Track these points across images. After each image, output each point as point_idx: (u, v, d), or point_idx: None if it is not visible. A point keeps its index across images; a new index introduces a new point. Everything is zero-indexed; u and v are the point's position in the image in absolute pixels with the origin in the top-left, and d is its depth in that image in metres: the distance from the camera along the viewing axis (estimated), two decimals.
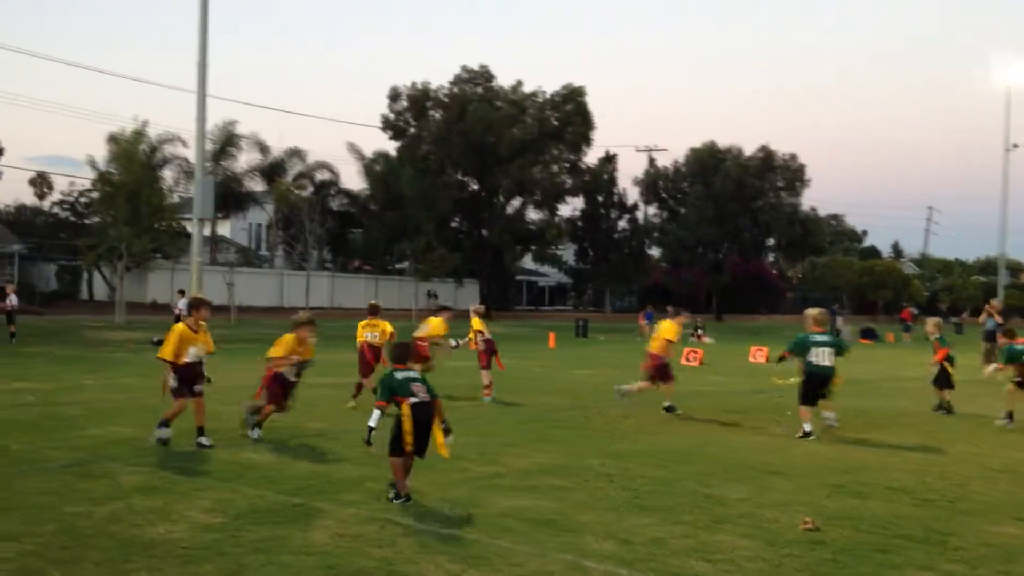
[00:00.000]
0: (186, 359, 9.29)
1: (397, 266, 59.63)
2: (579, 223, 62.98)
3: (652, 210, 70.51)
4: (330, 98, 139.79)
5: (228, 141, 51.15)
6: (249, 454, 8.96)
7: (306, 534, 6.10)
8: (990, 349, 21.13)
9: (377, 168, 55.60)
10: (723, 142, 69.78)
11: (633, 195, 67.35)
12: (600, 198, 62.70)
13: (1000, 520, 7.03)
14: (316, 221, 50.36)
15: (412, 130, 56.21)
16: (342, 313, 50.08)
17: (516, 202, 57.96)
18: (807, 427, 11.09)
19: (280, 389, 9.94)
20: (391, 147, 56.87)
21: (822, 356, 11.29)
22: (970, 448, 10.65)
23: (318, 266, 56.01)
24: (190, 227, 31.03)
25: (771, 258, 77.89)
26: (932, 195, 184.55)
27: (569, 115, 55.93)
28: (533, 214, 58.96)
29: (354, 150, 56.89)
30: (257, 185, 54.33)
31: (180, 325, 9.53)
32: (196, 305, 9.75)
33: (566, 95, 56.31)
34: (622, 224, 65.16)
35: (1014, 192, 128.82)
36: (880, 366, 24.36)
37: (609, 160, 62.11)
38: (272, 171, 53.20)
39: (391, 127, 56.33)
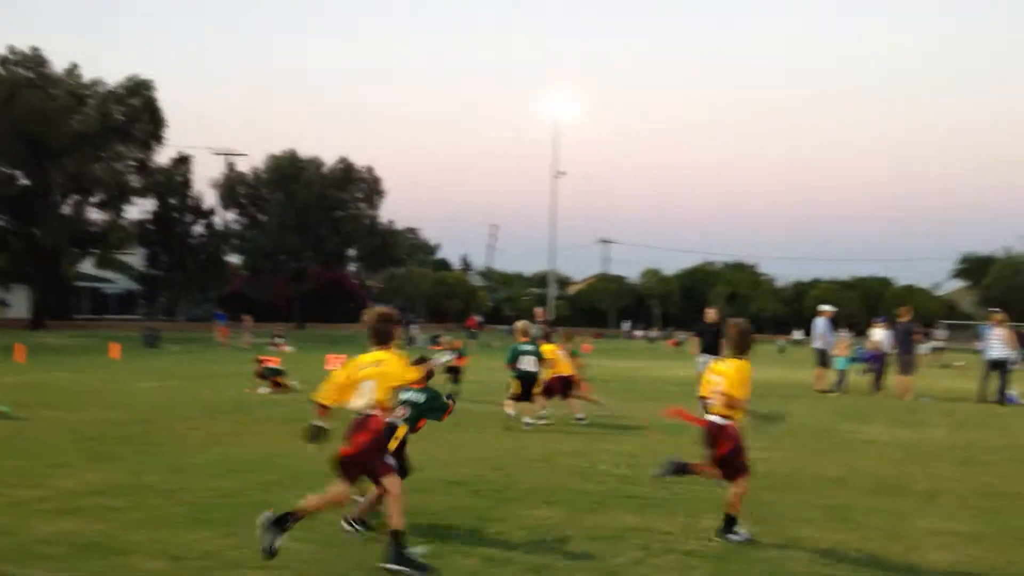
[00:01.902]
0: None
1: None
2: (150, 226, 59.22)
3: (231, 216, 68.60)
4: None
5: None
6: None
7: None
8: None
9: None
10: (304, 151, 69.94)
11: (211, 199, 64.98)
12: (173, 201, 59.57)
13: (535, 504, 7.86)
14: None
15: None
16: None
17: (74, 200, 52.76)
18: (511, 412, 13.17)
19: None
20: None
21: (529, 363, 13.08)
22: (515, 442, 11.79)
23: None
24: None
25: (352, 268, 79.65)
26: (497, 213, 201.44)
27: (136, 110, 52.13)
28: (95, 215, 54.11)
29: None
30: None
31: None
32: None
33: (131, 88, 52.27)
34: (198, 229, 62.50)
35: (562, 213, 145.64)
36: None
37: (183, 161, 59.27)
38: None
39: None
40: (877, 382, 21.31)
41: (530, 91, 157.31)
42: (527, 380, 13.13)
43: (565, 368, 13.98)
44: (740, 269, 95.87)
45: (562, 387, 13.90)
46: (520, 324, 13.92)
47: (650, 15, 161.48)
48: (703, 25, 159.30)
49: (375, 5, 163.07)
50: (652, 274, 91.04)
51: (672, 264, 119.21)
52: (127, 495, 7.84)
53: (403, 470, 6.70)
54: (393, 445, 6.46)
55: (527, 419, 13.07)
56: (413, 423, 7.13)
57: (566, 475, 9.39)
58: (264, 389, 18.02)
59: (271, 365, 18.80)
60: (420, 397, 7.22)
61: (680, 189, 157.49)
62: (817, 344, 22.25)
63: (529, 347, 13.29)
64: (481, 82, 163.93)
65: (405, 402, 7.09)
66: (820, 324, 22.29)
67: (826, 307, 23.22)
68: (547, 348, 13.87)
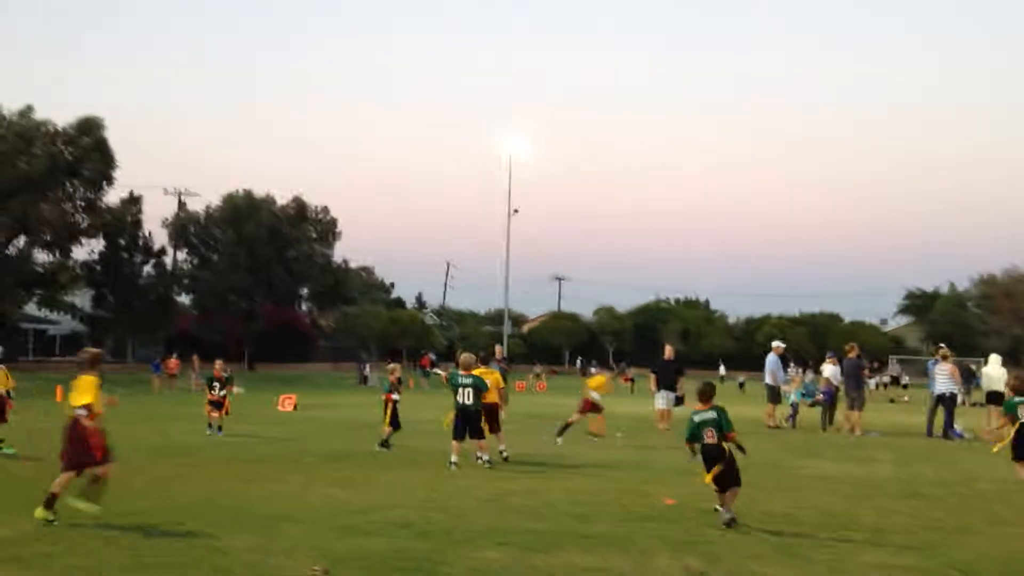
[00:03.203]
0: None
1: None
2: (98, 267, 58.22)
3: (182, 255, 67.74)
4: None
5: None
6: None
7: None
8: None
9: None
10: (259, 191, 69.48)
11: (161, 239, 64.18)
12: (123, 241, 58.69)
13: (485, 546, 7.76)
14: None
15: None
16: None
17: (20, 242, 51.68)
18: (454, 458, 12.74)
19: None
20: None
21: (466, 395, 12.86)
22: (465, 481, 11.68)
23: None
24: None
25: (304, 307, 78.84)
26: (451, 251, 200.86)
27: (86, 150, 51.40)
28: (41, 255, 53.03)
29: None
30: None
31: None
32: None
33: (81, 127, 51.55)
34: (148, 269, 61.56)
35: (516, 251, 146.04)
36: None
37: (133, 201, 58.52)
38: None
39: None
40: (827, 418, 21.55)
41: (485, 129, 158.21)
42: (464, 413, 13.00)
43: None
44: (692, 306, 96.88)
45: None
46: (463, 357, 13.59)
47: (602, 54, 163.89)
48: (654, 65, 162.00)
49: (333, 42, 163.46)
50: (605, 311, 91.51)
51: (625, 301, 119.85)
52: (66, 541, 7.62)
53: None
54: None
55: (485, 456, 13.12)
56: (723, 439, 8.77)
57: (517, 515, 9.32)
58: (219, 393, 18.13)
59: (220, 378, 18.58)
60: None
61: (632, 227, 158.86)
62: (767, 380, 22.46)
63: (467, 380, 13.08)
64: (437, 120, 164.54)
65: (704, 423, 8.77)
66: (771, 360, 22.52)
67: (777, 343, 23.48)
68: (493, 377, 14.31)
